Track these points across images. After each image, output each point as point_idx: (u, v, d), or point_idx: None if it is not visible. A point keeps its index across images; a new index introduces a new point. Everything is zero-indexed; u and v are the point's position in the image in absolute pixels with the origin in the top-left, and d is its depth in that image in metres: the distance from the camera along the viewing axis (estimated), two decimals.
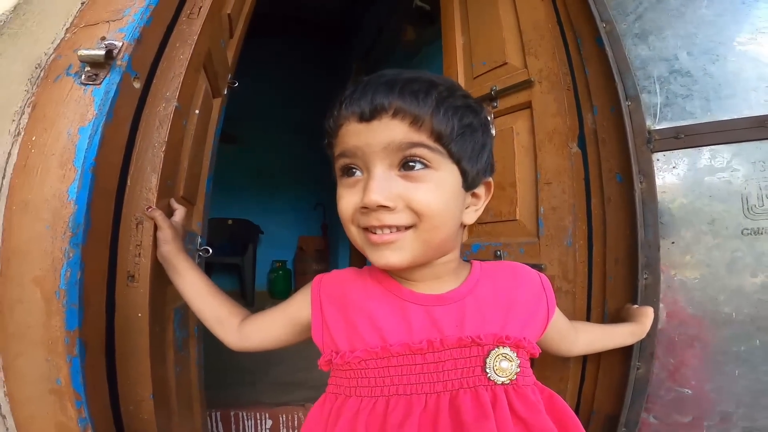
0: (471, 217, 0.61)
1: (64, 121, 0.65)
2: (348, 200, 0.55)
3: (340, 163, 0.56)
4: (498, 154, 1.32)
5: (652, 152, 0.96)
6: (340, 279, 0.65)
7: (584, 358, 1.06)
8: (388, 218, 0.52)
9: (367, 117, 0.52)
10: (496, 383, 0.55)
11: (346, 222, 0.56)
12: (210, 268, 4.26)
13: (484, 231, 1.34)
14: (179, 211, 0.86)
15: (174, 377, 0.98)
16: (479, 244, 1.31)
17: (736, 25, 0.97)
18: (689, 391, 0.90)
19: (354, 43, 4.55)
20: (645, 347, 0.92)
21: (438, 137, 0.52)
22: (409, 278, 0.60)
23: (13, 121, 0.65)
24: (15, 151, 0.63)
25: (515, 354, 0.56)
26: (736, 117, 0.91)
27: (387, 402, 0.54)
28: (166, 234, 0.78)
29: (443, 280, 0.61)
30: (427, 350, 0.55)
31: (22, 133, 0.64)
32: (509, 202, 1.25)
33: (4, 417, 0.61)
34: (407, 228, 0.53)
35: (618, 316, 0.96)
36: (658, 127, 0.98)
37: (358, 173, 0.54)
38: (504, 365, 0.55)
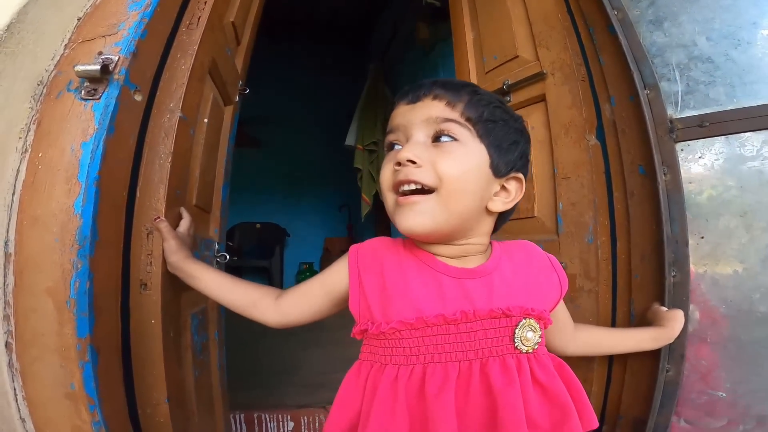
0: (498, 205, 0.65)
1: (67, 137, 0.66)
2: (388, 167, 0.61)
3: (388, 138, 0.65)
4: None
5: (675, 142, 0.92)
6: (375, 248, 0.68)
7: (610, 361, 1.02)
8: (414, 172, 0.58)
9: (412, 100, 0.63)
10: (521, 352, 0.60)
11: (386, 190, 0.62)
12: (239, 272, 4.41)
13: (503, 229, 1.29)
14: (184, 221, 0.86)
15: (193, 380, 0.99)
16: None
17: (757, 9, 0.92)
18: (723, 394, 0.86)
19: (370, 44, 4.57)
20: (674, 349, 0.88)
21: (468, 118, 0.61)
22: (444, 251, 0.64)
23: (20, 138, 0.66)
24: (23, 168, 0.64)
25: (539, 325, 0.62)
26: (764, 102, 0.86)
27: (424, 369, 0.58)
28: (171, 245, 0.79)
29: (473, 258, 0.65)
30: (460, 321, 0.59)
31: (29, 150, 0.65)
32: (527, 199, 1.21)
33: (23, 420, 0.62)
34: (430, 192, 0.58)
35: (645, 318, 0.91)
36: (680, 116, 0.93)
37: (398, 147, 0.63)
38: (529, 335, 0.61)
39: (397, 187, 0.60)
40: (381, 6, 4.03)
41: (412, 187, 0.59)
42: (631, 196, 0.98)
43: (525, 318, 0.61)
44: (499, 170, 0.63)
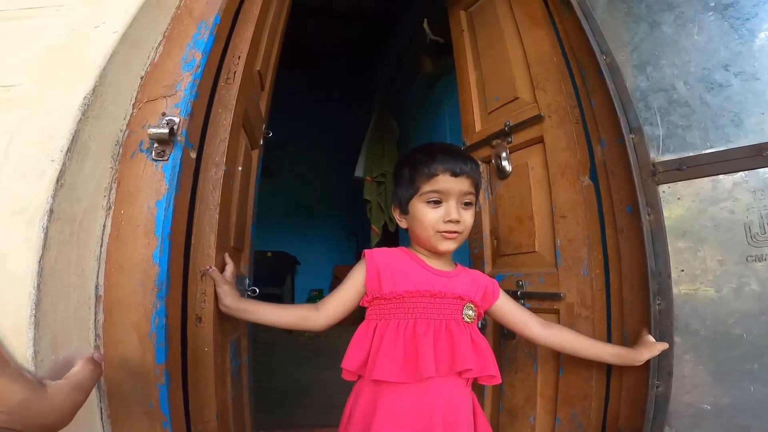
0: None
1: (143, 196, 0.78)
2: (433, 215, 0.96)
3: (430, 195, 0.96)
4: (515, 188, 1.40)
5: (658, 184, 1.02)
6: (386, 252, 1.03)
7: (607, 377, 1.11)
8: (457, 226, 0.96)
9: (456, 174, 0.95)
10: (465, 321, 0.97)
11: (428, 227, 0.96)
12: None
13: (506, 263, 1.41)
14: (229, 267, 1.00)
15: (230, 400, 1.11)
16: (502, 275, 1.38)
17: (727, 51, 0.99)
18: (708, 407, 0.95)
19: (376, 75, 4.71)
20: (663, 367, 0.99)
21: (476, 190, 1.01)
22: (431, 260, 1.01)
23: (105, 197, 0.77)
24: (108, 223, 0.76)
25: (475, 309, 0.99)
26: (733, 146, 0.96)
27: (415, 322, 0.93)
28: (224, 290, 0.93)
29: (445, 265, 1.02)
30: (437, 295, 0.96)
31: (113, 207, 0.77)
32: (528, 235, 1.32)
33: None
34: (459, 233, 0.96)
35: (633, 340, 1.03)
36: (661, 159, 1.03)
37: (439, 202, 0.96)
38: (469, 313, 0.98)
39: (441, 230, 0.95)
40: (386, 37, 4.18)
41: (453, 234, 0.96)
42: (620, 233, 1.09)
43: (468, 303, 0.98)
44: None
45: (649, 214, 1.02)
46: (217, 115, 1.03)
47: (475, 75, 1.65)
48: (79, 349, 0.70)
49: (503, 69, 1.48)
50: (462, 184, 0.96)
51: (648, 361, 0.98)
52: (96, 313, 0.74)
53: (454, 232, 0.96)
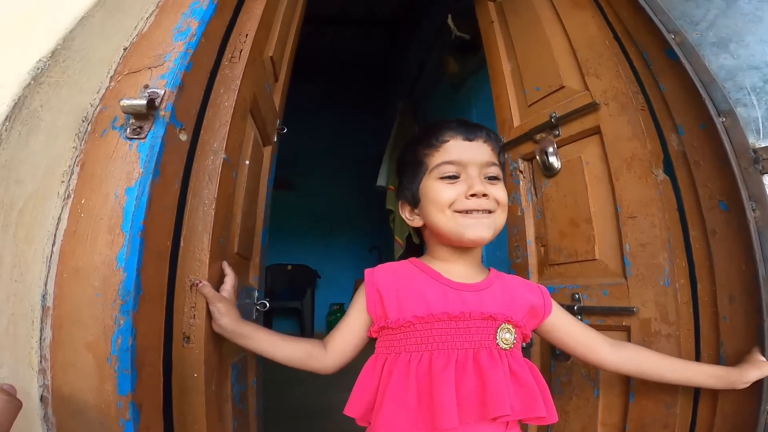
0: None
1: (111, 181, 0.61)
2: (449, 192, 0.75)
3: (444, 168, 0.77)
4: (567, 187, 1.21)
5: (762, 174, 0.83)
6: (390, 268, 0.83)
7: (694, 402, 0.92)
8: (485, 203, 0.75)
9: (471, 138, 0.78)
10: (500, 347, 0.75)
11: (444, 207, 0.75)
12: (271, 313, 4.44)
13: (557, 273, 1.21)
14: (229, 278, 0.83)
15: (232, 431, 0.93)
16: (553, 287, 1.18)
17: None
18: None
19: (397, 82, 4.60)
20: None
21: (501, 164, 0.82)
22: (449, 268, 0.80)
23: (62, 182, 0.62)
24: (65, 216, 0.60)
25: (514, 330, 0.77)
26: None
27: (431, 355, 0.73)
28: (219, 308, 0.77)
29: (470, 274, 0.80)
30: (459, 318, 0.74)
31: (72, 196, 0.61)
32: (586, 240, 1.13)
33: None
34: (490, 212, 0.76)
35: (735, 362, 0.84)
36: (764, 144, 0.84)
37: (457, 177, 0.76)
38: (506, 336, 0.76)
39: (462, 209, 0.75)
40: (406, 41, 4.07)
41: (481, 213, 0.76)
42: (712, 234, 0.89)
43: (504, 323, 0.76)
44: None
45: (753, 210, 0.81)
46: (218, 96, 0.88)
47: (510, 66, 1.50)
48: (14, 372, 0.53)
49: (543, 57, 1.34)
50: (480, 151, 0.77)
51: (754, 383, 0.80)
52: (42, 329, 0.57)
53: (484, 210, 0.74)
